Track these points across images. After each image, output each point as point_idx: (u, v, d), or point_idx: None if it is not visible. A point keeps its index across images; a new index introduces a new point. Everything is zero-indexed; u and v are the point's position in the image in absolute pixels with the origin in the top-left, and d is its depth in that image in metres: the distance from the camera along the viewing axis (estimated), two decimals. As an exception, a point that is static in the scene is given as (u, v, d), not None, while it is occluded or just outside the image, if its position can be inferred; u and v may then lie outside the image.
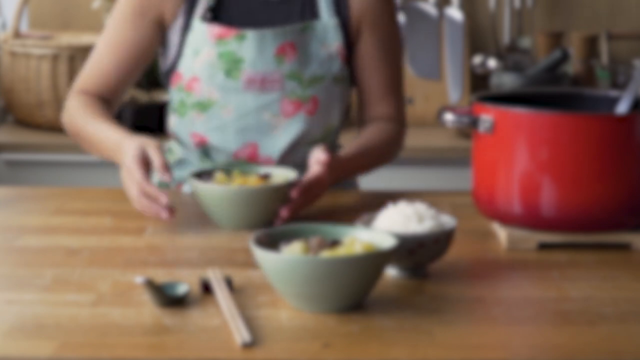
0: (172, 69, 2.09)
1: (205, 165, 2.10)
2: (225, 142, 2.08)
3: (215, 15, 2.07)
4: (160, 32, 2.09)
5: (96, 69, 2.10)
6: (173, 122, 2.14)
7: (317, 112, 2.09)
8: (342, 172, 1.98)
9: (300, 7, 2.08)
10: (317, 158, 1.90)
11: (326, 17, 2.07)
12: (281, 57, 2.04)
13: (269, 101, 2.06)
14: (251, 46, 2.04)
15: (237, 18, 2.07)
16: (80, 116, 2.05)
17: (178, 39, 2.07)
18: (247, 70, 2.04)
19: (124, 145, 1.89)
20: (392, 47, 2.13)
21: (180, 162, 2.16)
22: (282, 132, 2.08)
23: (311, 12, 2.08)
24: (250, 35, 2.03)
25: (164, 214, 1.79)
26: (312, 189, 1.88)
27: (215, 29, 2.04)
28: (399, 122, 2.15)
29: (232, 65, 2.04)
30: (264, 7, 2.07)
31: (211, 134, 2.08)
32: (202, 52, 2.05)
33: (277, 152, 2.08)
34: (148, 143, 1.86)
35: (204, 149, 2.10)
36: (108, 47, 2.09)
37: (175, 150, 2.18)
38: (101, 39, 2.12)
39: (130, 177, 1.84)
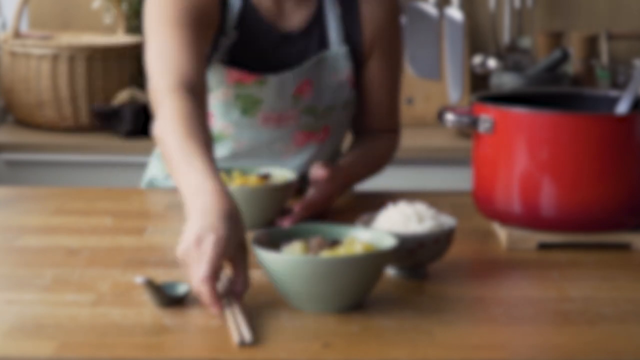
0: None
1: None
2: (232, 166, 2.07)
3: (235, 54, 1.98)
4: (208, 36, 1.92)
5: (173, 65, 1.81)
6: None
7: (327, 140, 2.08)
8: (345, 182, 1.97)
9: (317, 39, 2.03)
10: (318, 175, 1.89)
11: (336, 45, 2.03)
12: (299, 95, 2.02)
13: (283, 134, 2.04)
14: (271, 90, 1.99)
15: (257, 58, 2.00)
16: (172, 130, 1.66)
17: None
18: (265, 110, 2.01)
19: (226, 212, 1.48)
20: (397, 63, 2.10)
21: None
22: (291, 158, 2.07)
23: (324, 43, 2.04)
24: (271, 80, 1.99)
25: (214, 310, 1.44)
26: (316, 206, 1.87)
27: (234, 74, 1.98)
28: (395, 131, 2.15)
29: (249, 106, 2.00)
30: (285, 42, 2.02)
31: (219, 161, 2.06)
32: (217, 91, 1.99)
33: None
34: (244, 249, 1.49)
35: None
36: (176, 43, 1.83)
37: None
38: (158, 36, 1.86)
39: (203, 254, 1.45)
